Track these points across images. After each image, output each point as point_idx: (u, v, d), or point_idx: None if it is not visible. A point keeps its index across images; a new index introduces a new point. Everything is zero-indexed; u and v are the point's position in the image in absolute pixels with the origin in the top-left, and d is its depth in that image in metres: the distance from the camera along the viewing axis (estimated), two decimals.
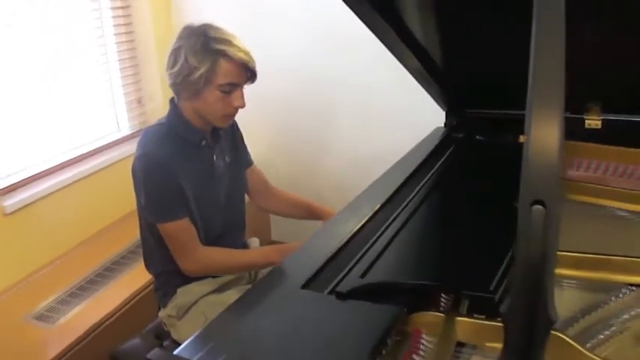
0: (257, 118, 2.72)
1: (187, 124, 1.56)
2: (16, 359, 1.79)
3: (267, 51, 2.66)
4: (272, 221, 2.93)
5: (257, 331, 0.95)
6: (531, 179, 0.64)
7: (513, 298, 0.64)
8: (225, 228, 1.66)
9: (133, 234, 1.74)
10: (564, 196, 1.42)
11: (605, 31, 1.37)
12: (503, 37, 1.49)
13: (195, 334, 0.95)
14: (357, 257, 1.09)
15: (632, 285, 1.09)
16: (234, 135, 1.75)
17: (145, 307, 1.96)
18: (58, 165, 2.40)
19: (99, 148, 2.56)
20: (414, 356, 0.92)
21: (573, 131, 1.67)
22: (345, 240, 1.17)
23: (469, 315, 0.97)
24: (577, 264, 1.13)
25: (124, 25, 2.61)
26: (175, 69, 1.47)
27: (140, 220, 1.63)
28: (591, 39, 1.41)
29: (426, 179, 1.43)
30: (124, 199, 1.65)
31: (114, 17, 2.57)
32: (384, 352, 0.90)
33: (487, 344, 0.96)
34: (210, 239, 1.61)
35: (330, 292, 1.01)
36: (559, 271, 1.15)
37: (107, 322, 1.92)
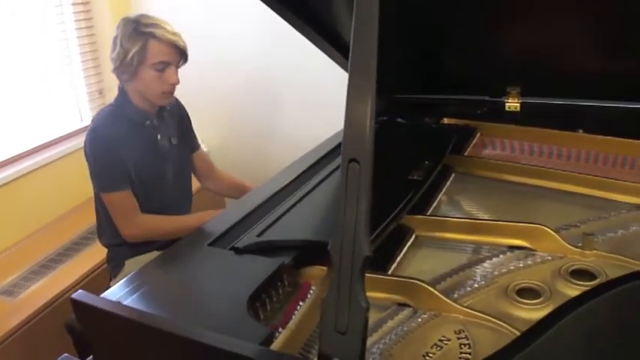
0: (210, 108, 2.91)
1: (132, 105, 1.70)
2: None
3: (220, 44, 2.83)
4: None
5: (164, 281, 1.08)
6: (348, 143, 0.76)
7: (335, 236, 0.77)
8: (171, 202, 1.79)
9: (92, 219, 1.87)
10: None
11: (525, 16, 1.47)
12: (423, 28, 1.61)
13: (117, 283, 1.06)
14: (259, 220, 1.22)
15: (511, 247, 1.21)
16: (182, 119, 1.88)
17: (99, 282, 2.07)
18: (23, 153, 2.51)
19: (62, 137, 2.67)
20: (301, 302, 1.05)
21: (494, 113, 1.79)
22: (254, 206, 1.29)
23: None
24: (465, 228, 1.26)
25: (84, 20, 2.72)
26: (114, 54, 1.63)
27: (94, 191, 1.76)
28: (510, 25, 1.53)
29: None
30: (85, 185, 1.78)
31: (75, 13, 2.68)
32: (271, 299, 1.03)
33: (369, 294, 1.08)
34: (155, 212, 1.74)
35: (230, 249, 1.13)
36: (450, 235, 1.28)
37: (64, 296, 2.03)
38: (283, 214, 1.23)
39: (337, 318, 0.76)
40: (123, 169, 1.66)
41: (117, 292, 1.02)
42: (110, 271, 1.83)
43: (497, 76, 1.76)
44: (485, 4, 1.48)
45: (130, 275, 1.09)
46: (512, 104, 1.77)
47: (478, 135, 1.84)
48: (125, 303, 0.97)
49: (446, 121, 1.90)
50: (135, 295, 1.02)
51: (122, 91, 1.71)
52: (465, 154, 1.69)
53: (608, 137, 1.64)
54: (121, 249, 1.77)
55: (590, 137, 1.67)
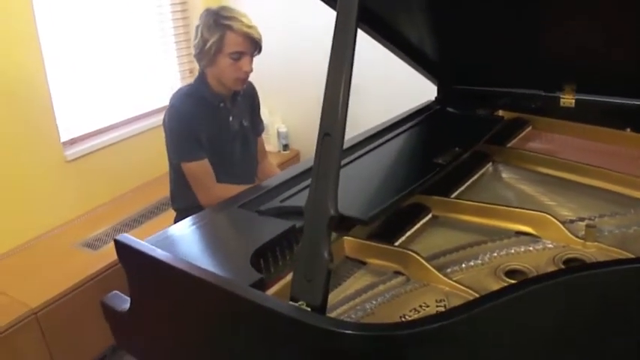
0: (292, 92, 3.10)
1: (209, 87, 1.89)
2: (59, 275, 2.19)
3: (304, 34, 2.99)
4: None
5: (196, 231, 1.25)
6: (324, 120, 0.90)
7: (308, 199, 0.90)
8: (236, 179, 1.96)
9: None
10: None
11: (582, 15, 1.47)
12: (485, 25, 1.66)
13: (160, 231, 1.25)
14: (288, 189, 1.36)
15: (518, 233, 1.27)
16: (253, 104, 2.07)
17: None
18: (123, 120, 2.84)
19: (155, 110, 2.96)
20: None
21: (549, 108, 1.82)
22: (288, 177, 1.44)
23: (353, 235, 1.22)
24: (477, 212, 1.34)
25: (180, 3, 3.00)
26: (195, 42, 1.84)
27: (169, 162, 1.98)
28: (570, 22, 1.55)
29: (384, 137, 1.66)
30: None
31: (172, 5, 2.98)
32: (284, 256, 1.17)
33: (370, 260, 1.21)
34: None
35: (256, 211, 1.29)
36: (463, 216, 1.36)
37: None
38: (308, 186, 1.37)
39: (306, 268, 0.90)
40: (198, 142, 1.85)
41: (156, 239, 1.21)
42: None
43: (553, 72, 1.78)
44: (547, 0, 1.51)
45: (171, 226, 1.28)
46: (568, 100, 1.79)
47: (529, 128, 1.87)
48: (158, 247, 1.15)
49: (501, 113, 1.94)
50: (169, 241, 1.20)
51: (201, 75, 1.91)
52: (509, 145, 1.74)
53: None
54: (190, 213, 1.98)
55: (636, 136, 1.66)
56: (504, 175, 1.60)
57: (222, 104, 1.92)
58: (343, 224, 1.21)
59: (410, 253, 1.14)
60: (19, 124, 2.31)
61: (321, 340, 0.84)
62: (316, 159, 0.90)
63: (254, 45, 1.83)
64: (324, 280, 0.88)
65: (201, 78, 1.90)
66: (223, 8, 1.85)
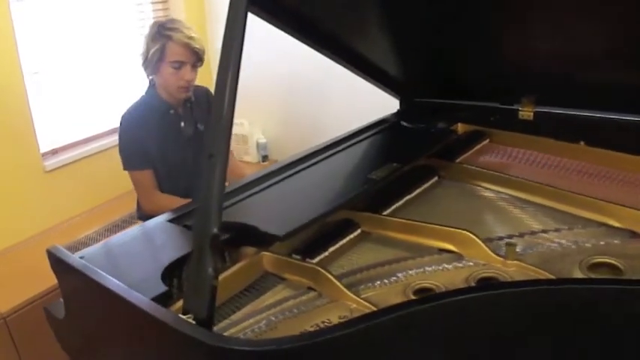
0: (268, 104, 3.13)
1: (158, 96, 1.96)
2: (31, 282, 2.19)
3: (279, 45, 3.00)
4: None
5: (123, 247, 1.28)
6: (208, 141, 0.92)
7: (195, 218, 0.93)
8: (194, 184, 2.01)
9: None
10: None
11: (542, 28, 1.48)
12: (444, 38, 1.66)
13: (94, 246, 1.31)
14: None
15: (442, 250, 1.28)
16: (210, 106, 2.11)
17: None
18: (97, 134, 2.87)
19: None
20: None
21: (508, 121, 1.82)
22: (226, 191, 1.46)
23: (271, 251, 1.24)
24: (403, 229, 1.34)
25: (162, 17, 3.05)
26: (141, 52, 1.91)
27: None
28: (528, 33, 1.55)
29: (328, 152, 1.68)
30: None
31: (154, 10, 3.03)
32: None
33: (286, 275, 1.23)
34: (179, 193, 1.97)
35: (184, 226, 1.31)
36: (390, 233, 1.37)
37: None
38: (239, 201, 1.39)
39: (194, 282, 0.93)
40: (145, 152, 1.91)
41: (89, 251, 1.27)
42: None
43: (512, 84, 1.78)
44: (506, 13, 1.51)
45: (106, 240, 1.32)
46: (526, 112, 1.79)
47: (486, 141, 1.87)
48: (88, 259, 1.18)
49: (460, 126, 1.95)
50: (99, 253, 1.25)
51: (151, 84, 1.98)
52: (461, 159, 1.74)
53: (607, 151, 1.63)
54: None
55: (588, 149, 1.67)
56: (448, 190, 1.60)
57: (172, 111, 1.98)
58: (264, 239, 1.24)
59: (320, 269, 1.16)
60: None
61: (200, 352, 0.87)
62: (203, 179, 0.92)
63: (194, 55, 1.89)
64: (209, 295, 0.91)
65: (151, 87, 1.99)
66: (170, 20, 1.94)
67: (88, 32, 2.81)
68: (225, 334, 1.04)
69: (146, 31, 1.94)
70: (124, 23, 2.98)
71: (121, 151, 1.95)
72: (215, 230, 0.90)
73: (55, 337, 1.36)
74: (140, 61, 1.92)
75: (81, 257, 1.20)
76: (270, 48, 3.00)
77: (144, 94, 2.00)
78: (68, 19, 2.71)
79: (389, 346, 0.86)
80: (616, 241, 1.28)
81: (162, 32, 1.85)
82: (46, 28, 2.61)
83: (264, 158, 3.27)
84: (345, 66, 1.82)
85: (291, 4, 1.49)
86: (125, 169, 1.95)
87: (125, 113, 1.95)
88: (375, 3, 1.57)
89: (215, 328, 1.02)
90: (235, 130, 3.15)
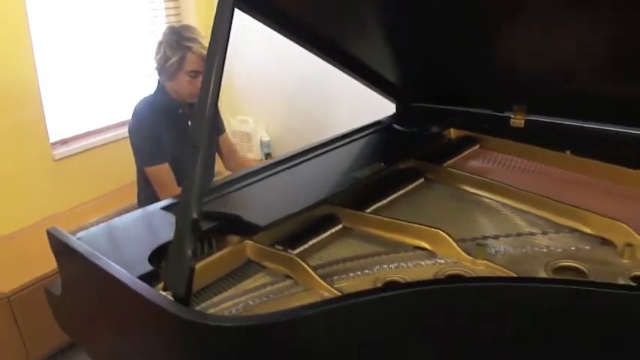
0: (273, 104, 3.19)
1: (168, 97, 2.05)
2: (36, 264, 2.29)
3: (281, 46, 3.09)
4: None
5: (118, 232, 1.37)
6: (193, 134, 1.01)
7: (179, 204, 1.00)
8: None
9: None
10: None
11: (534, 36, 1.52)
12: (440, 45, 1.72)
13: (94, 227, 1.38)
14: (211, 193, 1.46)
15: (417, 247, 1.34)
16: None
17: None
18: (106, 126, 2.99)
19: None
20: None
21: (500, 128, 1.88)
22: (219, 183, 1.55)
23: (255, 240, 1.31)
24: (381, 225, 1.41)
25: (174, 15, 3.16)
26: (157, 57, 1.99)
27: (137, 171, 2.13)
28: (521, 43, 1.59)
29: (320, 150, 1.75)
30: None
31: (166, 8, 3.12)
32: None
33: (266, 263, 1.30)
34: None
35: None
36: (370, 229, 1.43)
37: None
38: (231, 192, 1.47)
39: (175, 262, 1.01)
40: (161, 146, 2.00)
41: (86, 233, 1.34)
42: None
43: (505, 92, 1.83)
44: (501, 22, 1.56)
45: (103, 224, 1.40)
46: (517, 120, 1.85)
47: (476, 147, 1.92)
48: (85, 240, 1.26)
49: (452, 132, 2.01)
50: (95, 236, 1.33)
51: (160, 86, 2.07)
52: (449, 162, 1.80)
53: (592, 160, 1.67)
54: None
55: (574, 158, 1.71)
56: (435, 192, 1.66)
57: (180, 110, 2.06)
58: (249, 229, 1.31)
59: (296, 259, 1.23)
60: (10, 123, 2.48)
61: (176, 326, 0.96)
62: (187, 168, 1.00)
63: None
64: (187, 274, 0.99)
65: (160, 89, 2.07)
66: (185, 28, 2.01)
67: (100, 27, 2.91)
68: None
69: (159, 34, 2.02)
70: (136, 19, 3.08)
71: (137, 149, 2.04)
72: (195, 215, 0.98)
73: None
74: (154, 65, 2.01)
75: (78, 238, 1.29)
76: (276, 48, 3.08)
77: (153, 92, 2.09)
78: (81, 12, 2.81)
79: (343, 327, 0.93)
80: (586, 247, 1.33)
81: (182, 43, 1.93)
82: (60, 22, 2.71)
83: (267, 156, 3.35)
84: (340, 69, 1.89)
85: (285, 6, 1.56)
86: (142, 166, 2.03)
87: (137, 110, 2.03)
88: (372, 9, 1.64)
89: (197, 308, 1.11)
90: (240, 127, 3.24)
